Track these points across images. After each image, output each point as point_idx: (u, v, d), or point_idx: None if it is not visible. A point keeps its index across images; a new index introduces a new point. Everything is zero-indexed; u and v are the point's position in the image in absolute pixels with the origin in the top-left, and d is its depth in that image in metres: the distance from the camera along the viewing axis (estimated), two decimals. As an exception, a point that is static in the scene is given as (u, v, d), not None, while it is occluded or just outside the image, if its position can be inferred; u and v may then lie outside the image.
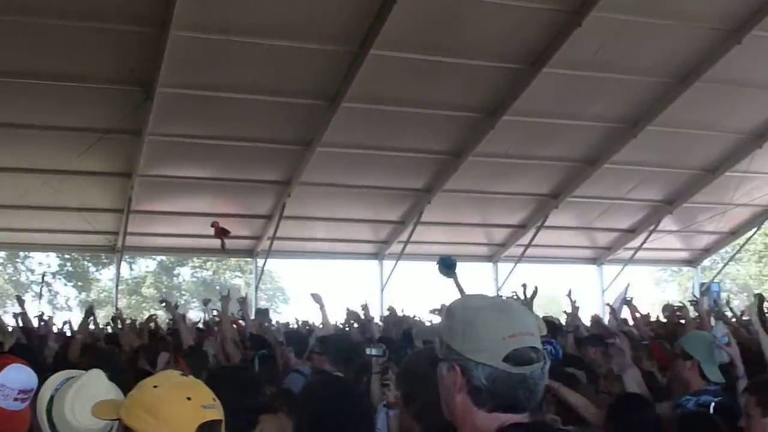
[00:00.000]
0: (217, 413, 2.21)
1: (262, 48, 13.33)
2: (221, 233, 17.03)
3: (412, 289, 23.75)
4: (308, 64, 13.93)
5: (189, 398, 2.17)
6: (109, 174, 16.87)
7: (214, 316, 12.60)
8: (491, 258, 22.57)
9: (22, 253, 37.35)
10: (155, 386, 2.23)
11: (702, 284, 23.99)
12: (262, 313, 14.16)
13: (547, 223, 20.24)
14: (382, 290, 21.50)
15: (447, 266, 8.18)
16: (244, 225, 19.54)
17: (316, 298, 9.78)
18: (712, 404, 4.57)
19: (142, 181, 16.70)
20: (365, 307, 11.39)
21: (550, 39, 13.81)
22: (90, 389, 2.84)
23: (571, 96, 15.57)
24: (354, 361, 6.71)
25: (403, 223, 20.03)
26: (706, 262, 27.41)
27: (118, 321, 13.07)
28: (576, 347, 9.09)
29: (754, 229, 23.54)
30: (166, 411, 2.14)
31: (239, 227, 19.17)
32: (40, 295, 26.08)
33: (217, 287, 38.22)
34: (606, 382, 5.96)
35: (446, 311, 2.10)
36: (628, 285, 16.69)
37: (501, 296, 2.96)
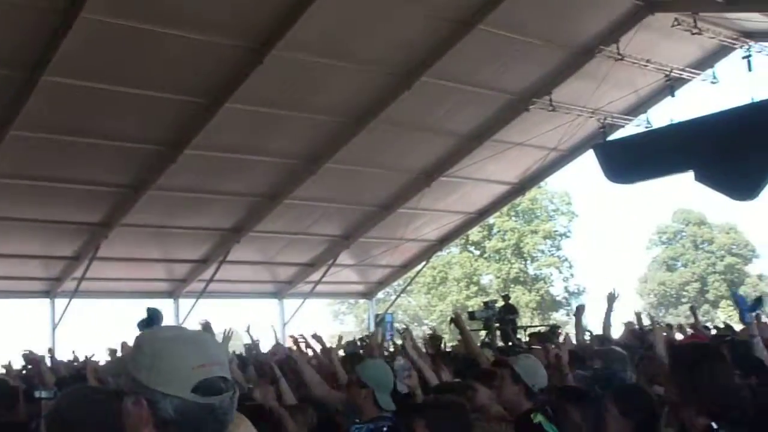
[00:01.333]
0: None
1: None
2: None
3: (89, 327, 22.63)
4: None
5: None
6: None
7: None
8: (172, 294, 22.08)
9: None
10: None
11: (376, 315, 25.19)
12: None
13: (229, 258, 20.19)
14: (54, 330, 20.20)
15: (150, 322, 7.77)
16: None
17: None
18: (384, 428, 4.74)
19: None
20: (28, 356, 10.32)
21: (233, 74, 13.90)
22: None
23: (253, 132, 15.75)
24: (20, 405, 6.22)
25: (77, 259, 19.00)
26: (381, 295, 28.83)
27: None
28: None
29: (423, 263, 25.19)
30: None
31: None
32: None
33: None
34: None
35: (134, 343, 2.00)
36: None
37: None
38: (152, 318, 7.81)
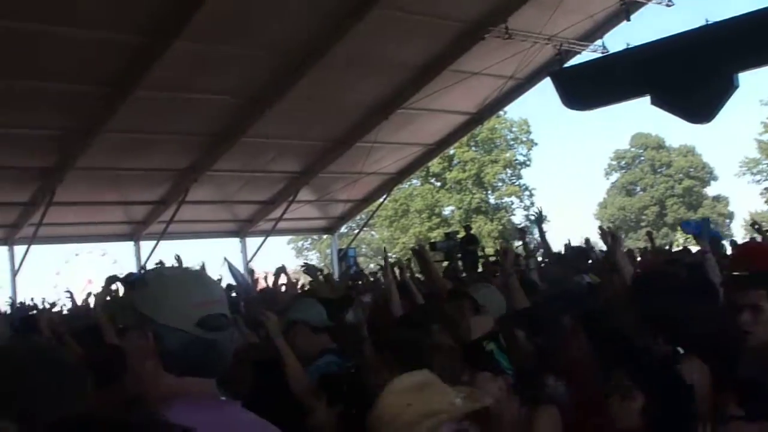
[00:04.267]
0: None
1: None
2: None
3: (50, 274, 22.41)
4: None
5: None
6: None
7: None
8: (132, 236, 21.90)
9: None
10: None
11: (340, 250, 25.22)
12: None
13: (188, 198, 19.99)
14: (14, 278, 19.97)
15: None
16: None
17: None
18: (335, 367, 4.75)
19: None
20: None
21: (178, 11, 13.47)
22: None
23: (203, 70, 15.37)
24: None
25: (34, 205, 18.69)
26: (343, 229, 28.84)
27: None
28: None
29: (384, 196, 25.19)
30: None
31: None
32: None
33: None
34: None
35: (140, 280, 2.12)
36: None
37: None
38: None
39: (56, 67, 14.14)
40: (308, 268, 9.22)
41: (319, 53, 15.78)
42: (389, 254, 7.73)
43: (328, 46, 15.61)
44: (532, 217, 10.33)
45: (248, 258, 23.50)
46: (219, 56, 15.16)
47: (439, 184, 50.00)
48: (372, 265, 39.25)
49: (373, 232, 53.02)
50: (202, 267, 11.16)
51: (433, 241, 27.65)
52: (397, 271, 7.29)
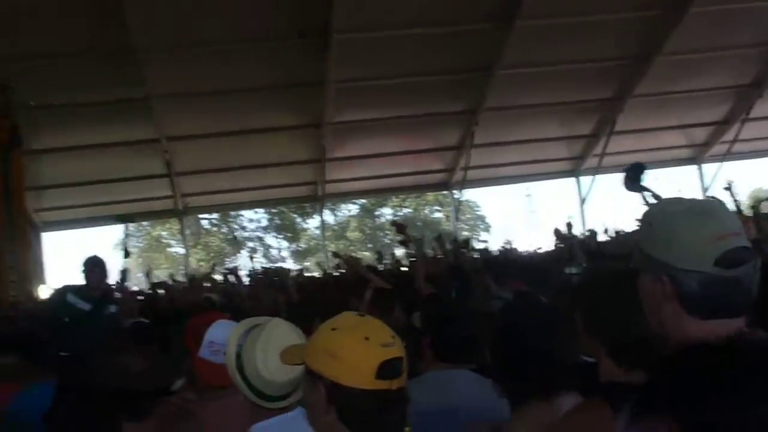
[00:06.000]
0: (397, 351, 2.24)
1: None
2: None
3: (612, 203, 23.13)
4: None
5: (367, 338, 2.22)
6: (300, 126, 17.40)
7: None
8: (694, 160, 21.53)
9: (233, 213, 38.89)
10: (333, 329, 2.30)
11: None
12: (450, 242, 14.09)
13: (752, 115, 19.01)
14: (582, 207, 21.09)
15: (633, 179, 7.53)
16: (436, 158, 19.72)
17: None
18: None
19: (332, 129, 17.07)
20: (569, 226, 10.86)
21: None
22: (276, 338, 2.87)
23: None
24: (552, 283, 6.59)
25: (596, 136, 19.46)
26: None
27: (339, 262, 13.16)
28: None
29: None
30: (346, 352, 2.21)
31: (432, 161, 19.47)
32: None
33: (419, 223, 38.92)
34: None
35: (643, 220, 2.02)
36: None
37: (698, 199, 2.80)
38: (637, 172, 7.52)
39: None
40: None
41: None
42: None
43: None
44: None
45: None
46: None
47: None
48: None
49: None
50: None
51: None
52: None
